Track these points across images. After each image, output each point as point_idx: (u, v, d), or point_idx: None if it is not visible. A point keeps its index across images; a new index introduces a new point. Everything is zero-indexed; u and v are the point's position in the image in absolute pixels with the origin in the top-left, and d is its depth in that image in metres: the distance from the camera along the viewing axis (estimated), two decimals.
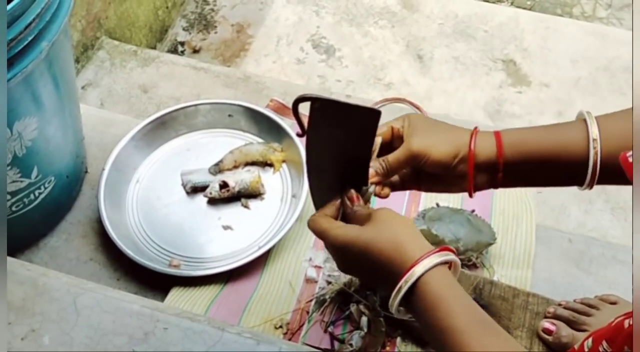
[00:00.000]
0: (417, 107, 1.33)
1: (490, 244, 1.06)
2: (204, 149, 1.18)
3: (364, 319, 0.94)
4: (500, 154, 0.69)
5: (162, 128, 1.19)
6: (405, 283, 0.63)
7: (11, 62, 0.72)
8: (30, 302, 0.77)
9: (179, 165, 1.16)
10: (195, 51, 1.85)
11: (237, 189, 1.10)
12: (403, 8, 1.93)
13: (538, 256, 1.08)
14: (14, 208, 0.94)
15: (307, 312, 0.98)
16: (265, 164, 1.16)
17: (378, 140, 0.77)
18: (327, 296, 0.98)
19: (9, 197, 0.91)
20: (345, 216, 0.74)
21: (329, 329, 0.95)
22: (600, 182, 0.69)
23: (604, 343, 0.66)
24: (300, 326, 0.96)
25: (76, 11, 1.46)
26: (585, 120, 0.68)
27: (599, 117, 0.68)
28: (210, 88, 1.50)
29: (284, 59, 1.82)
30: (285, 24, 1.90)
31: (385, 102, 1.35)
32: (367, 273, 0.70)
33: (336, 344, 0.94)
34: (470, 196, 0.74)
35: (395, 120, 0.77)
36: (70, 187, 1.09)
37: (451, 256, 0.65)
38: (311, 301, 0.99)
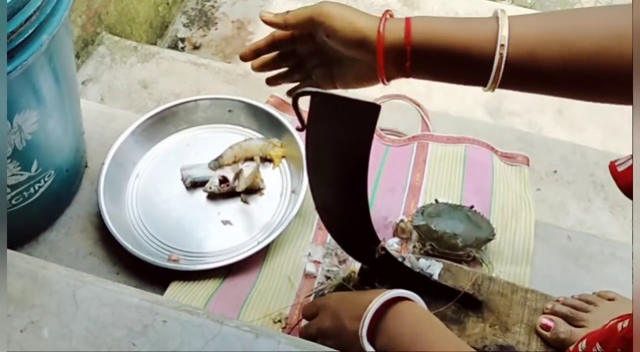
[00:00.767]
0: (417, 104, 1.33)
1: (489, 240, 1.06)
2: (204, 145, 1.19)
3: None
4: (408, 40, 0.67)
5: (162, 123, 1.19)
6: (365, 316, 0.72)
7: (11, 55, 0.72)
8: (30, 294, 0.78)
9: (178, 160, 1.16)
10: (196, 48, 1.85)
11: (236, 184, 1.10)
12: (403, 5, 1.93)
13: (537, 252, 1.08)
14: (13, 202, 0.94)
15: None
16: (265, 159, 1.16)
17: None
18: (325, 291, 0.98)
19: (8, 190, 0.91)
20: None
21: None
22: (503, 86, 0.68)
23: (598, 345, 0.66)
24: (299, 321, 0.96)
25: (77, 6, 1.46)
26: (497, 19, 0.66)
27: (512, 18, 0.66)
28: (210, 84, 1.50)
29: None
30: None
31: (384, 98, 1.35)
32: (335, 325, 0.80)
33: None
34: (384, 83, 0.73)
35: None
36: (70, 181, 1.09)
37: (402, 292, 0.74)
38: (310, 295, 0.99)
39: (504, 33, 0.64)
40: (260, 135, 1.19)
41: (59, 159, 0.99)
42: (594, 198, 1.29)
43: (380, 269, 0.96)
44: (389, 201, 1.14)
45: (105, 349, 0.74)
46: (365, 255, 0.92)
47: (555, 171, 1.33)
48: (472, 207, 1.10)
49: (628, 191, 0.60)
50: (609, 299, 0.96)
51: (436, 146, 1.24)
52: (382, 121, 1.37)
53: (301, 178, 1.10)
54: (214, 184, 1.10)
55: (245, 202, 1.11)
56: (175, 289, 1.00)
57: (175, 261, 1.03)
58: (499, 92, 1.96)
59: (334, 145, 0.75)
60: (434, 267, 1.00)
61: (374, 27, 0.68)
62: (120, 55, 1.57)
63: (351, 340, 0.74)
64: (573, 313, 0.94)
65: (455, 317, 0.96)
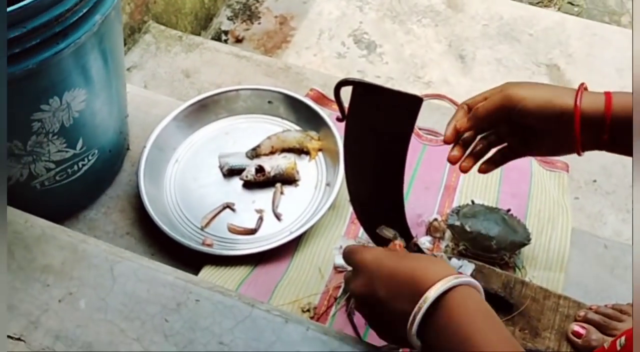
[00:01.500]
0: (455, 104, 1.33)
1: (524, 245, 1.05)
2: (243, 134, 1.20)
3: None
4: (608, 114, 0.66)
5: (203, 111, 1.21)
6: (424, 302, 0.59)
7: (65, 33, 0.75)
8: (69, 266, 0.80)
9: (217, 147, 1.18)
10: (238, 41, 1.87)
11: (272, 173, 1.11)
12: (447, 7, 1.92)
13: (572, 259, 1.07)
14: (57, 178, 0.97)
15: (335, 299, 0.99)
16: (301, 151, 1.17)
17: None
18: None
19: (53, 166, 0.94)
20: None
21: (352, 317, 0.96)
22: None
23: None
24: (327, 310, 0.97)
25: None
26: None
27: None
28: (251, 76, 1.52)
29: (324, 52, 1.83)
30: (328, 18, 1.91)
31: (425, 97, 1.34)
32: (385, 296, 0.64)
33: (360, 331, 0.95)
34: (579, 153, 0.71)
35: (490, 90, 0.76)
36: (112, 161, 1.11)
37: (469, 279, 0.61)
38: (339, 287, 1.00)
39: None
40: (298, 128, 1.20)
41: (103, 139, 1.02)
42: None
43: None
44: (424, 199, 1.14)
45: (139, 323, 0.76)
46: None
47: (595, 181, 1.31)
48: (509, 210, 1.09)
49: None
50: None
51: None
52: (421, 120, 1.35)
53: (336, 171, 1.11)
54: (250, 173, 1.11)
55: (280, 192, 1.12)
56: (208, 273, 1.02)
57: (209, 245, 1.05)
58: None
59: (374, 136, 0.75)
60: (465, 268, 1.00)
61: (569, 101, 0.68)
62: (165, 44, 1.60)
63: (393, 319, 0.64)
64: (606, 322, 0.93)
65: None
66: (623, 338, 0.68)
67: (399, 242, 0.75)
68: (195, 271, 1.04)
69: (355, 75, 1.79)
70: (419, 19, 1.89)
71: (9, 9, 0.67)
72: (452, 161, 0.80)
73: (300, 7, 1.95)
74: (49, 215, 0.95)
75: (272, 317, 0.76)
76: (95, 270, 0.80)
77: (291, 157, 1.14)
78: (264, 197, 1.12)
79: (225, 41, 1.87)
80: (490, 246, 1.03)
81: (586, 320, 0.94)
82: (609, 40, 1.88)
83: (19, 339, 0.75)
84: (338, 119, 0.76)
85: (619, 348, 0.68)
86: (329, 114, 1.18)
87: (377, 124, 0.73)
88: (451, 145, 0.80)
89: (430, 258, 0.65)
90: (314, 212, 1.08)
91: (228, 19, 1.94)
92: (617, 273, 1.06)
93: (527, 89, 0.70)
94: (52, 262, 0.80)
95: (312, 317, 0.96)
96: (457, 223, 1.06)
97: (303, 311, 0.97)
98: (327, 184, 1.12)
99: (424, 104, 1.44)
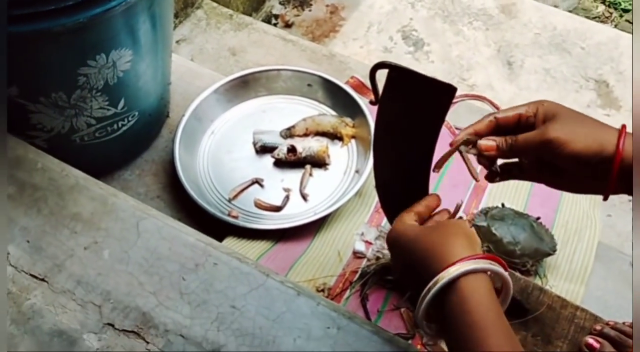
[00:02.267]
0: (497, 108, 1.32)
1: (549, 255, 1.04)
2: (279, 113, 1.22)
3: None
4: None
5: (243, 87, 1.23)
6: (435, 284, 0.60)
7: None
8: (98, 217, 0.83)
9: (253, 124, 1.20)
10: (288, 26, 1.89)
11: (304, 155, 1.12)
12: (501, 12, 1.90)
13: (594, 273, 1.05)
14: (97, 134, 1.01)
15: (350, 283, 1.00)
16: (335, 136, 1.18)
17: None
18: (371, 269, 0.99)
19: (94, 122, 0.97)
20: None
21: (365, 303, 0.97)
22: None
23: None
24: (341, 293, 0.98)
25: None
26: None
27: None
28: (295, 60, 1.54)
29: (371, 45, 1.84)
30: (379, 12, 1.91)
31: (464, 97, 1.34)
32: (409, 269, 0.68)
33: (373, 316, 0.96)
34: (605, 199, 0.67)
35: (523, 106, 0.70)
36: (151, 126, 1.15)
37: (495, 266, 0.61)
38: (356, 272, 1.01)
39: None
40: (334, 113, 1.21)
41: (144, 103, 1.05)
42: None
43: None
44: (451, 198, 1.12)
45: (157, 278, 0.78)
46: None
47: (630, 200, 1.28)
48: (538, 218, 1.08)
49: None
50: None
51: None
52: (458, 120, 1.36)
53: (367, 159, 1.11)
54: (282, 152, 1.13)
55: (310, 174, 1.14)
56: (230, 243, 1.04)
57: (234, 217, 1.07)
58: (586, 111, 1.90)
59: (405, 122, 0.76)
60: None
61: (611, 141, 0.63)
62: (215, 21, 1.63)
63: (414, 285, 0.66)
64: (621, 339, 0.91)
65: None
66: None
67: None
68: (219, 240, 1.06)
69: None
70: (470, 21, 1.88)
71: None
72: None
73: None
74: (86, 170, 0.98)
75: (285, 288, 0.78)
76: (122, 223, 0.82)
77: (324, 140, 1.15)
78: (293, 177, 1.13)
79: (275, 25, 1.89)
80: (514, 251, 1.02)
81: (602, 334, 0.93)
82: None
83: (42, 279, 0.78)
84: (371, 102, 0.76)
85: None
86: (366, 103, 1.19)
87: (409, 110, 0.74)
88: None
89: (461, 233, 0.65)
90: (340, 197, 1.09)
91: (280, 3, 1.96)
92: None
93: (569, 131, 0.65)
94: (82, 211, 0.83)
95: (325, 297, 0.97)
96: (484, 224, 1.05)
97: (318, 291, 0.98)
98: (356, 171, 1.13)
99: (464, 104, 1.44)
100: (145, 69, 0.98)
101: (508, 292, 0.65)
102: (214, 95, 1.20)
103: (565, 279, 1.04)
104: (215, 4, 1.68)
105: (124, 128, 1.04)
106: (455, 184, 1.16)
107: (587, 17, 2.07)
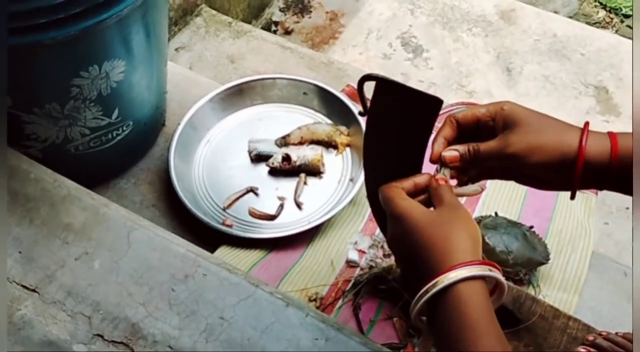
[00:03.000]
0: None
1: (542, 264, 1.04)
2: (275, 122, 1.22)
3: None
4: (615, 161, 0.62)
5: (239, 95, 1.24)
6: (433, 286, 0.60)
7: (109, 4, 0.78)
8: (89, 228, 0.83)
9: (248, 132, 1.21)
10: (287, 33, 1.90)
11: (298, 163, 1.13)
12: (500, 19, 1.90)
13: (589, 283, 1.05)
14: (91, 144, 1.01)
15: (343, 292, 1.00)
16: (330, 144, 1.18)
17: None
18: (364, 278, 0.99)
19: (88, 132, 0.98)
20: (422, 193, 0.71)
21: (358, 312, 0.97)
22: None
23: None
24: (333, 302, 0.98)
25: None
26: None
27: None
28: (293, 67, 1.54)
29: (370, 52, 1.84)
30: (378, 18, 1.91)
31: (459, 105, 1.34)
32: (407, 254, 0.66)
33: (365, 327, 0.96)
34: (572, 197, 0.67)
35: (482, 108, 0.69)
36: (147, 135, 1.15)
37: (495, 273, 0.61)
38: (348, 281, 1.01)
39: None
40: (329, 121, 1.21)
41: (139, 112, 1.06)
42: None
43: None
44: None
45: (147, 289, 0.78)
46: None
47: (628, 208, 1.28)
48: (531, 227, 1.08)
49: None
50: None
51: None
52: None
53: (361, 168, 1.11)
54: (276, 160, 1.14)
55: (304, 182, 1.14)
56: (224, 252, 1.04)
57: (228, 225, 1.08)
58: (585, 118, 1.89)
59: (393, 133, 0.76)
60: None
61: (572, 146, 0.63)
62: (214, 29, 1.64)
63: (411, 277, 0.65)
64: (614, 349, 0.91)
65: None
66: None
67: (441, 177, 0.70)
68: (213, 249, 1.07)
69: (398, 78, 1.79)
70: (470, 28, 1.88)
71: None
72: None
73: (352, 5, 1.97)
74: (81, 179, 0.99)
75: (274, 299, 0.78)
76: (113, 233, 0.83)
77: (319, 149, 1.16)
78: (287, 185, 1.14)
79: (275, 32, 1.90)
80: (507, 260, 1.02)
81: (594, 345, 0.93)
82: None
83: (33, 290, 0.79)
84: (360, 114, 0.77)
85: None
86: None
87: (396, 122, 0.74)
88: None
89: (464, 231, 0.63)
90: (334, 205, 1.10)
91: (280, 10, 1.97)
92: None
93: (529, 143, 0.64)
94: (74, 221, 0.84)
95: (318, 307, 0.97)
96: None
97: (310, 300, 0.98)
98: (351, 180, 1.13)
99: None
100: (140, 79, 0.99)
101: (501, 296, 0.64)
102: (210, 104, 1.21)
103: (559, 289, 1.04)
104: (214, 12, 1.69)
105: (119, 137, 1.04)
106: None
107: (588, 23, 2.07)
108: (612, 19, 2.14)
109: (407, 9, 1.93)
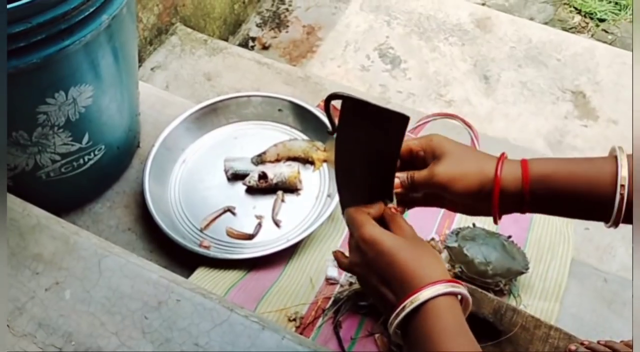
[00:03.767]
0: (469, 126, 1.32)
1: (521, 273, 1.03)
2: (251, 139, 1.22)
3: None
4: (526, 186, 0.68)
5: (214, 114, 1.23)
6: (410, 303, 0.62)
7: (71, 30, 0.77)
8: (59, 257, 0.82)
9: (224, 151, 1.20)
10: (265, 48, 1.89)
11: (275, 181, 1.12)
12: (476, 27, 1.91)
13: (569, 290, 1.05)
14: (63, 170, 1.00)
15: (323, 310, 0.99)
16: (306, 161, 1.17)
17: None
18: (344, 295, 0.98)
19: (59, 158, 0.97)
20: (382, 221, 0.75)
21: (338, 331, 0.96)
22: (626, 222, 0.66)
23: None
24: (313, 321, 0.97)
25: None
26: (616, 158, 0.66)
27: (629, 156, 0.66)
28: (270, 83, 1.54)
29: (349, 64, 1.84)
30: (355, 31, 1.92)
31: (438, 116, 1.34)
32: (380, 276, 0.68)
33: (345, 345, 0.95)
34: (495, 222, 0.72)
35: (414, 140, 0.76)
36: (120, 158, 1.14)
37: (461, 289, 0.64)
38: (328, 299, 1.00)
39: (623, 173, 0.64)
40: (305, 137, 1.21)
41: (111, 136, 1.05)
42: None
43: None
44: (423, 219, 1.13)
45: (119, 318, 0.77)
46: None
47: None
48: (509, 237, 1.08)
49: None
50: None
51: None
52: None
53: None
54: (253, 179, 1.13)
55: (282, 200, 1.13)
56: (201, 274, 1.03)
57: (206, 247, 1.06)
58: (564, 123, 1.89)
59: (362, 151, 0.75)
60: None
61: (490, 173, 0.69)
62: (190, 47, 1.63)
63: (380, 302, 0.68)
64: None
65: None
66: None
67: (393, 206, 0.75)
68: (190, 271, 1.06)
69: (377, 89, 1.79)
70: (446, 37, 1.89)
71: (15, 4, 0.70)
72: None
73: (328, 18, 1.97)
74: (54, 206, 0.98)
75: (250, 322, 0.77)
76: (84, 262, 0.82)
77: (295, 166, 1.15)
78: (265, 204, 1.13)
79: (252, 48, 1.90)
80: (486, 271, 1.02)
81: None
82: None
83: None
84: (328, 132, 0.76)
85: None
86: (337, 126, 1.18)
87: (365, 140, 0.73)
88: None
89: (431, 254, 0.67)
90: (312, 222, 1.09)
91: (257, 25, 1.97)
92: (615, 308, 1.03)
93: (452, 172, 0.71)
94: (43, 251, 0.82)
95: (297, 327, 0.96)
96: (455, 245, 1.05)
97: (289, 320, 0.97)
98: (329, 195, 1.13)
99: (439, 122, 1.44)
100: (109, 102, 0.98)
101: (466, 309, 0.66)
102: (184, 124, 1.20)
103: (540, 298, 1.04)
104: (189, 30, 1.68)
105: (91, 162, 1.03)
106: None
107: (564, 28, 2.09)
108: (587, 23, 2.16)
109: (384, 21, 1.93)
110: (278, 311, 0.98)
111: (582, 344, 0.94)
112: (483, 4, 2.13)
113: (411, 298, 0.62)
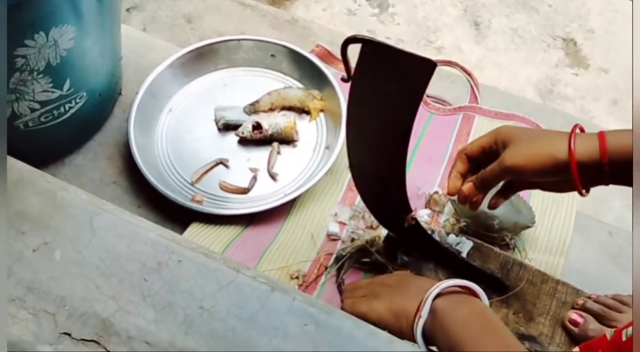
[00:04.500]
0: (469, 74, 1.26)
1: (528, 227, 1.01)
2: (242, 87, 1.14)
3: None
4: (604, 159, 0.67)
5: (201, 59, 1.14)
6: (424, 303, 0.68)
7: None
8: (47, 215, 0.75)
9: (214, 99, 1.12)
10: None
11: (270, 132, 1.06)
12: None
13: (574, 244, 1.03)
14: (42, 119, 0.92)
15: (325, 268, 0.95)
16: (302, 110, 1.11)
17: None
18: (346, 252, 0.94)
19: (38, 107, 0.89)
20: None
21: (342, 288, 0.92)
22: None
23: None
24: (316, 279, 0.93)
25: None
26: None
27: None
28: (255, 27, 1.45)
29: (334, 7, 1.76)
30: None
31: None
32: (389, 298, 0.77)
33: None
34: (582, 195, 0.72)
35: (483, 137, 0.78)
36: (102, 106, 1.06)
37: (457, 280, 0.70)
38: (330, 255, 0.96)
39: None
40: (300, 85, 1.14)
41: (93, 82, 0.96)
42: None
43: (408, 239, 0.92)
44: (425, 171, 1.09)
45: (116, 280, 0.71)
46: (393, 222, 0.88)
47: None
48: None
49: None
50: None
51: (482, 120, 1.18)
52: (429, 87, 1.30)
53: (337, 135, 1.05)
54: (247, 129, 1.06)
55: (278, 152, 1.07)
56: (195, 231, 0.98)
57: (198, 202, 1.00)
58: (555, 71, 1.86)
59: (380, 100, 0.70)
60: (463, 245, 0.96)
61: (562, 150, 0.69)
62: None
63: (403, 320, 0.73)
64: (605, 312, 0.89)
65: None
66: (630, 329, 0.65)
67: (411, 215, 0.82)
68: (183, 227, 1.00)
69: (365, 34, 1.72)
70: None
71: None
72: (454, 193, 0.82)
73: None
74: (33, 157, 0.90)
75: (258, 284, 0.72)
76: (74, 220, 0.75)
77: (291, 115, 1.09)
78: (259, 156, 1.07)
79: None
80: (493, 225, 0.99)
81: (584, 309, 0.91)
82: (630, 18, 1.81)
83: None
84: (343, 79, 0.70)
85: (624, 339, 0.65)
86: (334, 73, 1.12)
87: (385, 87, 0.68)
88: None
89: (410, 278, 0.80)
90: (310, 176, 1.04)
91: None
92: (620, 262, 1.02)
93: (523, 155, 0.71)
94: (29, 208, 0.75)
95: (300, 285, 0.92)
96: None
97: (292, 278, 0.93)
98: (327, 147, 1.07)
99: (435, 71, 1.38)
100: (92, 45, 0.89)
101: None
102: (170, 70, 1.12)
103: (545, 251, 1.02)
104: None
105: (72, 110, 0.95)
106: (430, 156, 1.11)
107: None
108: None
109: None
110: (279, 269, 0.93)
111: (589, 297, 0.93)
112: None
113: (429, 291, 0.68)
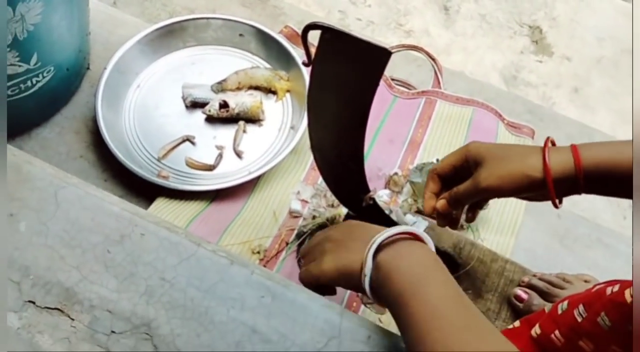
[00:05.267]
0: (433, 59, 1.30)
1: (481, 209, 1.05)
2: (210, 65, 1.16)
3: None
4: (580, 173, 0.67)
5: (170, 36, 1.16)
6: (369, 249, 0.63)
7: None
8: (12, 187, 0.77)
9: (181, 77, 1.14)
10: None
11: (236, 110, 1.08)
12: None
13: (524, 225, 1.08)
14: (9, 92, 0.93)
15: (286, 243, 0.98)
16: (269, 90, 1.13)
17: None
18: (307, 228, 0.98)
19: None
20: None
21: (301, 264, 0.96)
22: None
23: (580, 307, 0.67)
24: (277, 254, 0.96)
25: None
26: None
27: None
28: (226, 4, 1.46)
29: None
30: None
31: (401, 48, 1.31)
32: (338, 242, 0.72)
33: None
34: (556, 207, 0.72)
35: (453, 155, 0.77)
36: (70, 80, 1.07)
37: (409, 228, 0.66)
38: (292, 231, 0.99)
39: None
40: (267, 65, 1.16)
41: (60, 56, 0.97)
42: None
43: (366, 218, 0.95)
44: (386, 153, 1.12)
45: (80, 251, 0.74)
46: (352, 201, 0.92)
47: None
48: None
49: None
50: (585, 281, 0.96)
51: (444, 105, 1.21)
52: (395, 71, 1.34)
53: (302, 115, 1.08)
54: (213, 107, 1.08)
55: (244, 130, 1.10)
56: (160, 205, 1.00)
57: (164, 177, 1.03)
58: (520, 58, 1.90)
59: (339, 85, 0.73)
60: (419, 224, 1.00)
61: (537, 167, 0.69)
62: None
63: (352, 278, 0.68)
64: (549, 289, 0.95)
65: None
66: (565, 303, 0.70)
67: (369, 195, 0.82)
68: (148, 202, 1.02)
69: (336, 15, 1.74)
70: None
71: None
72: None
73: None
74: None
75: (218, 257, 0.75)
76: (39, 193, 0.77)
77: (257, 95, 1.11)
78: (225, 134, 1.09)
79: None
80: None
81: (529, 286, 0.96)
82: (594, 8, 1.86)
83: None
84: (304, 63, 0.73)
85: (559, 312, 0.70)
86: (301, 55, 1.14)
87: (342, 73, 0.71)
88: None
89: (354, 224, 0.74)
90: (275, 154, 1.06)
91: None
92: (567, 243, 1.07)
93: (497, 175, 0.71)
94: None
95: (261, 260, 0.96)
96: (419, 180, 1.05)
97: (253, 253, 0.96)
98: (292, 127, 1.10)
99: (401, 54, 1.41)
100: (60, 20, 0.90)
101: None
102: (138, 46, 1.13)
103: (496, 232, 1.07)
104: None
105: (39, 84, 0.96)
106: (391, 139, 1.14)
107: None
108: None
109: None
110: (241, 244, 0.96)
111: (534, 276, 0.98)
112: None
113: (373, 239, 0.63)
